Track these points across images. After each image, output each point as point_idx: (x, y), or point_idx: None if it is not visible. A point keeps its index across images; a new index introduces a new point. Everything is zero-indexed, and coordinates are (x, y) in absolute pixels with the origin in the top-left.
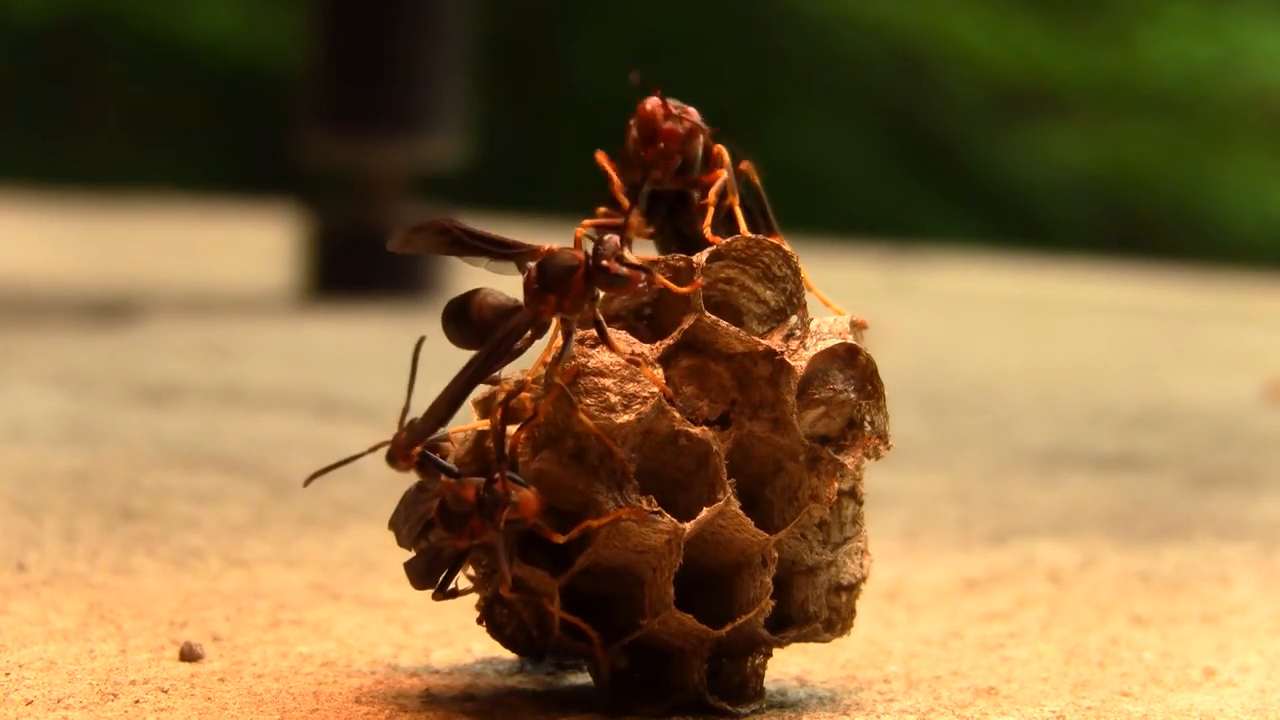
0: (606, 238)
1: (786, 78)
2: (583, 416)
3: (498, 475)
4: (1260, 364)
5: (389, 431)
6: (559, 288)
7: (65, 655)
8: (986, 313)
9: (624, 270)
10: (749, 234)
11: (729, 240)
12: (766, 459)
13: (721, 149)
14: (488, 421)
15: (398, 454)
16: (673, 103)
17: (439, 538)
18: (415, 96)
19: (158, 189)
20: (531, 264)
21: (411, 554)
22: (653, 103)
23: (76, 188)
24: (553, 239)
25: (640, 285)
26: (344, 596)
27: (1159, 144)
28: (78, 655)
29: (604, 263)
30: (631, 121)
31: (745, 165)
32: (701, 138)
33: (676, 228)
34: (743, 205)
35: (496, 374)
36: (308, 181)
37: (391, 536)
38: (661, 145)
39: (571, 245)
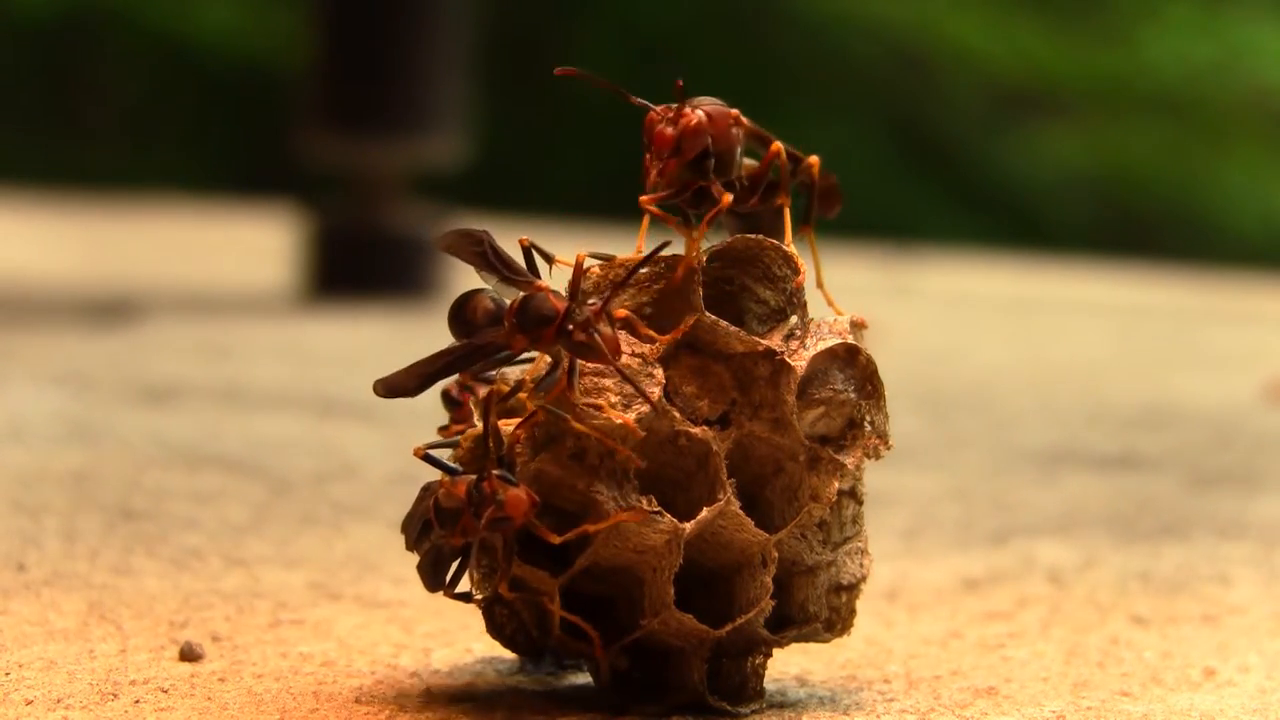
0: (590, 303)
1: (786, 78)
2: (576, 425)
3: (486, 475)
4: (1260, 364)
5: (389, 431)
6: (531, 332)
7: (65, 655)
8: (986, 313)
9: (592, 342)
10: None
11: (729, 240)
12: (766, 459)
13: (778, 147)
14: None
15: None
16: (678, 106)
17: (437, 536)
18: (415, 96)
19: (158, 189)
20: (518, 295)
21: (419, 557)
22: (651, 113)
23: (76, 188)
24: (555, 239)
25: (607, 363)
26: (344, 596)
27: (1159, 144)
28: (78, 655)
29: (570, 327)
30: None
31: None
32: (733, 132)
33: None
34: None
35: (492, 374)
36: (308, 181)
37: (393, 537)
38: (656, 152)
39: (573, 270)
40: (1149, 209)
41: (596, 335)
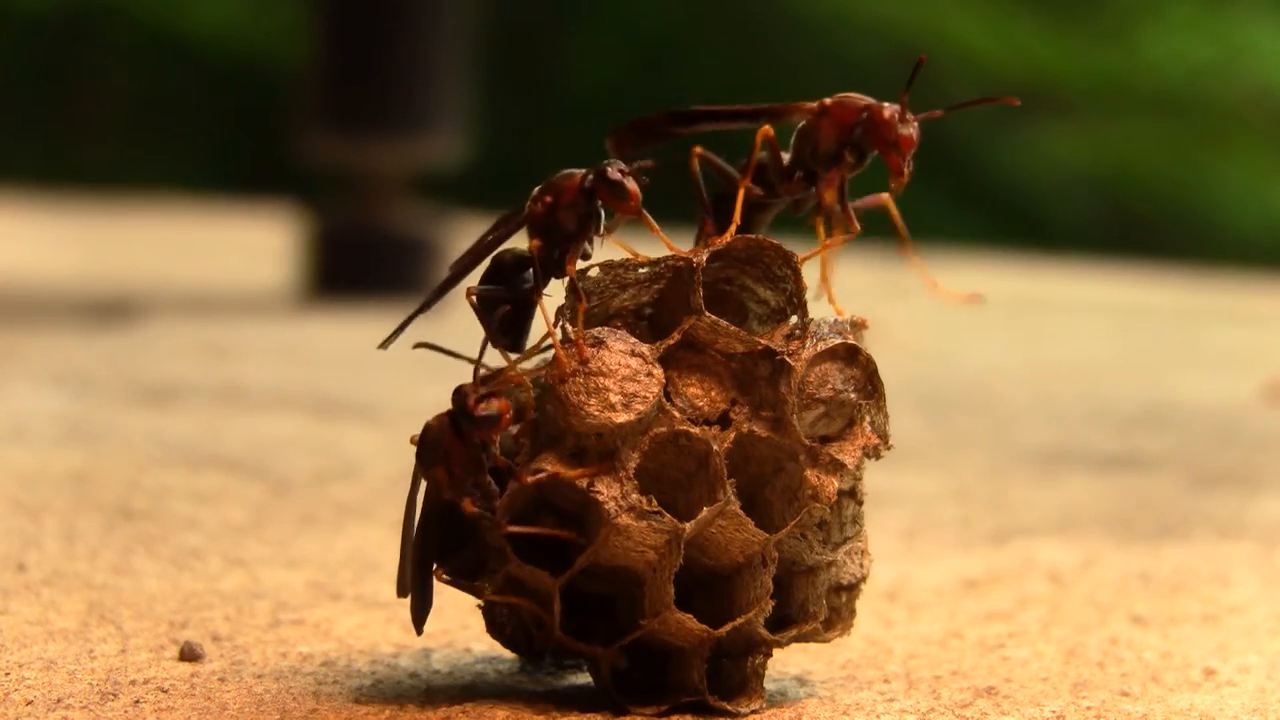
0: (611, 161)
1: (787, 77)
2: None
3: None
4: (1260, 364)
5: (389, 431)
6: (556, 190)
7: (65, 655)
8: (986, 313)
9: (623, 181)
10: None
11: (730, 240)
12: (766, 459)
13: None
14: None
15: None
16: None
17: (428, 495)
18: (415, 96)
19: (157, 189)
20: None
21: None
22: (891, 109)
23: (76, 188)
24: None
25: (631, 211)
26: (344, 596)
27: (1159, 144)
28: (78, 655)
29: (608, 172)
30: (854, 116)
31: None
32: None
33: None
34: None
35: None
36: (308, 181)
37: (393, 537)
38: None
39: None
40: (1149, 209)
41: (626, 181)
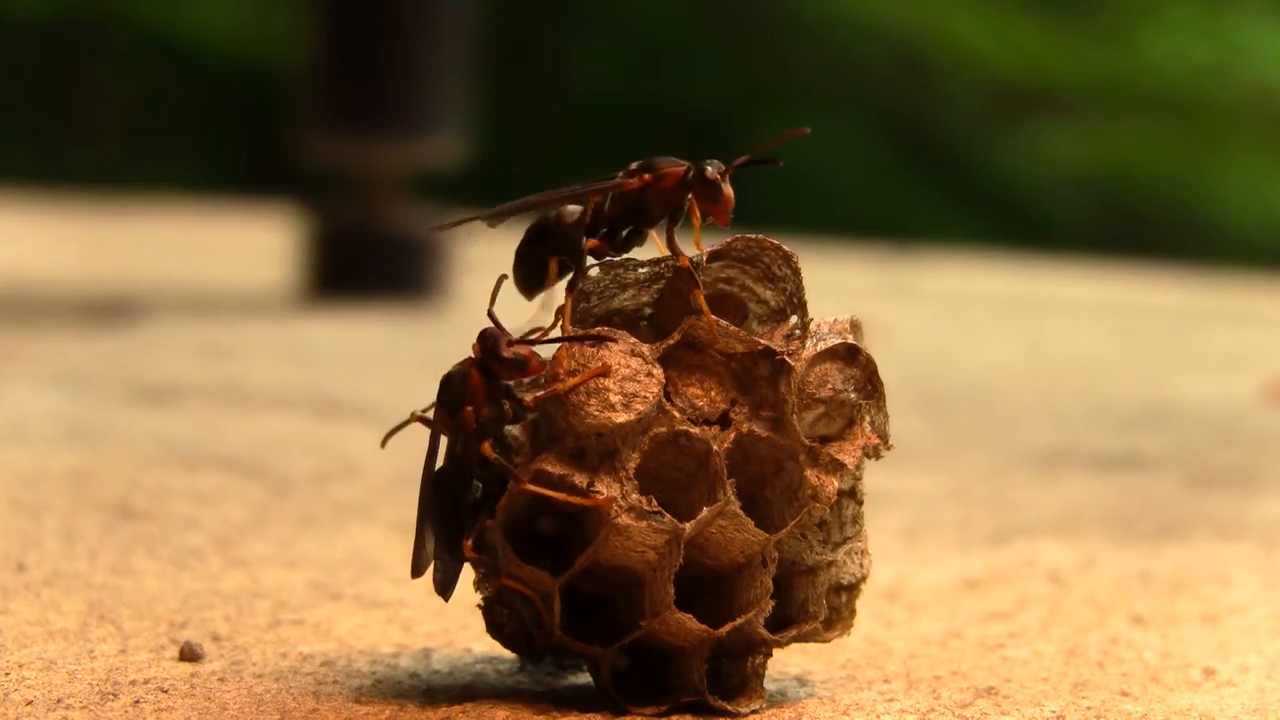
0: (711, 160)
1: (786, 78)
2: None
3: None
4: (1260, 364)
5: (385, 431)
6: (657, 172)
7: (65, 655)
8: (986, 313)
9: (721, 183)
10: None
11: (729, 240)
12: (766, 459)
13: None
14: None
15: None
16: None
17: (447, 457)
18: (415, 96)
19: (157, 189)
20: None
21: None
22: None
23: (76, 188)
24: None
25: (725, 215)
26: (344, 596)
27: (1159, 144)
28: (78, 655)
29: (707, 171)
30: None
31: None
32: None
33: None
34: None
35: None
36: (308, 182)
37: (393, 537)
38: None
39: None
40: (1149, 209)
41: (724, 185)
